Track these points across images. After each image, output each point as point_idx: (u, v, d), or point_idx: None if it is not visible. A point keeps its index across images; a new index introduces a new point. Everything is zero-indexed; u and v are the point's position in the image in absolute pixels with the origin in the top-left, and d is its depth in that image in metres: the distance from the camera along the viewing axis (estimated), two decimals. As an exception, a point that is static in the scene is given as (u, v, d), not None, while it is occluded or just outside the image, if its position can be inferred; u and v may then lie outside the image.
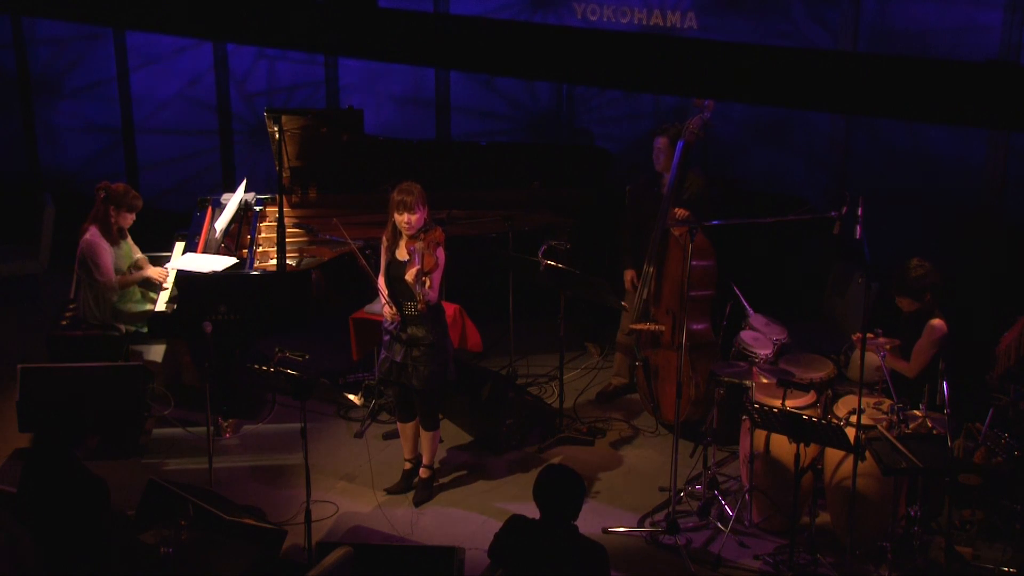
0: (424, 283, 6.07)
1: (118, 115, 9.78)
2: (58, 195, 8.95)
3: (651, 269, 7.08)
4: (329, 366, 7.63)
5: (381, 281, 6.33)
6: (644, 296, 7.13)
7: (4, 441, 6.87)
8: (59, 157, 9.99)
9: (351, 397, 7.50)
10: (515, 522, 4.82)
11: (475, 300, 7.71)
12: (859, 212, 5.69)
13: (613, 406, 7.57)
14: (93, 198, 7.16)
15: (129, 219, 7.22)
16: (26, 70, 9.83)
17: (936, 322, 6.15)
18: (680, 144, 7.02)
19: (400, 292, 6.22)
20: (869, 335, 6.02)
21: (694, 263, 6.54)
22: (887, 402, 5.96)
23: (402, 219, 6.14)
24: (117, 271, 7.19)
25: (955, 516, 6.01)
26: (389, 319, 6.29)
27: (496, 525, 4.94)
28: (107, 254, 7.07)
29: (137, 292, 7.30)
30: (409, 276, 6.09)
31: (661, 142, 7.14)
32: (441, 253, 6.19)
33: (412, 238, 6.14)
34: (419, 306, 6.17)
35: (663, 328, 7.00)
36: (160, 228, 7.83)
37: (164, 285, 7.17)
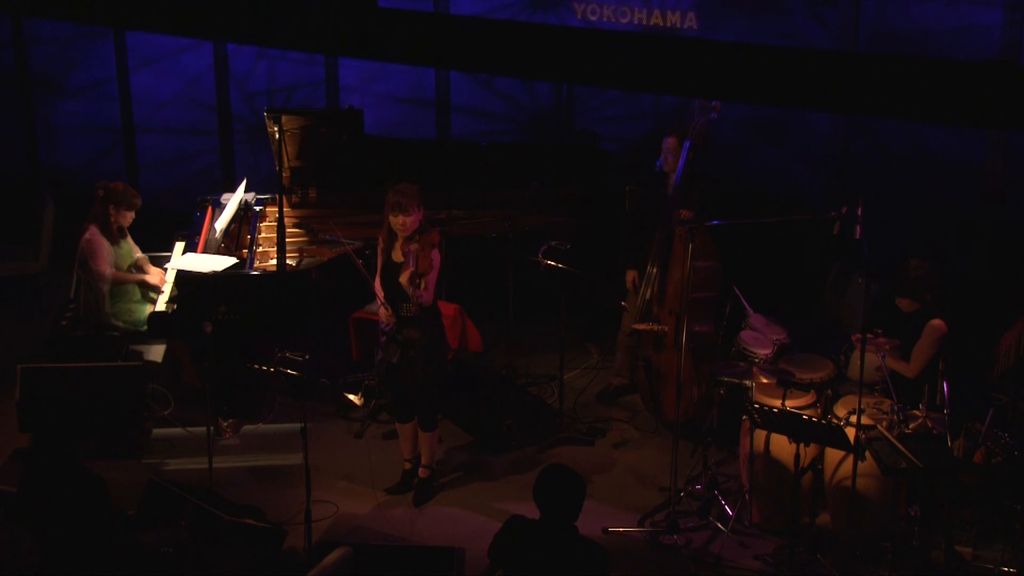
0: (418, 284, 6.06)
1: (118, 115, 9.78)
2: (58, 195, 8.94)
3: (654, 269, 7.08)
4: (329, 366, 7.63)
5: (377, 282, 6.32)
6: (647, 296, 7.13)
7: (4, 441, 6.87)
8: (59, 157, 9.98)
9: (351, 397, 7.50)
10: (515, 523, 4.82)
11: (475, 300, 7.71)
12: (859, 212, 5.69)
13: (613, 406, 7.57)
14: (93, 198, 7.15)
15: (129, 217, 7.22)
16: (26, 70, 9.83)
17: (936, 322, 6.15)
18: (687, 144, 7.02)
19: (396, 293, 6.21)
20: (869, 335, 6.02)
21: (698, 264, 6.54)
22: (887, 402, 5.97)
23: (397, 221, 6.12)
24: (117, 270, 7.20)
25: (955, 516, 6.01)
26: (385, 320, 6.29)
27: (496, 525, 4.94)
28: (105, 251, 7.07)
29: (137, 292, 7.30)
30: (403, 278, 6.08)
31: (670, 142, 7.14)
32: (436, 255, 6.17)
33: (408, 240, 6.12)
34: (412, 308, 6.16)
35: (666, 329, 7.00)
36: (160, 228, 7.82)
37: (162, 289, 7.17)
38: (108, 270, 7.06)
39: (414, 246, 6.08)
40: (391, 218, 6.14)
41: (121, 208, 7.15)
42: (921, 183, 8.12)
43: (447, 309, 6.97)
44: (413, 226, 6.12)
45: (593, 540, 4.80)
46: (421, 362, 6.27)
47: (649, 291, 7.12)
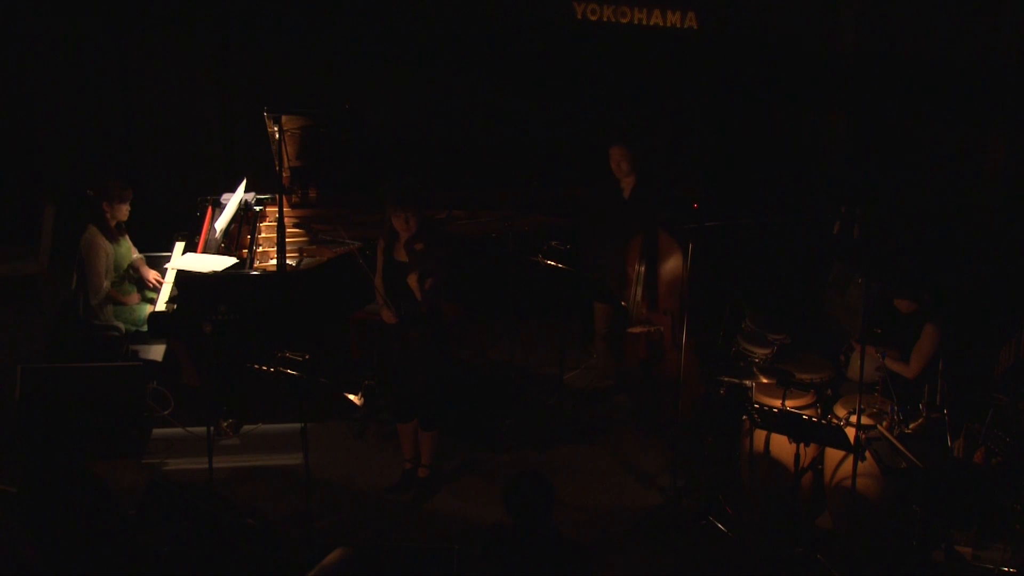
0: (427, 286, 6.05)
1: (118, 114, 9.77)
2: (58, 195, 8.94)
3: (641, 268, 7.04)
4: (329, 366, 7.61)
5: (378, 282, 6.31)
6: (638, 298, 7.09)
7: (4, 441, 6.86)
8: (59, 157, 9.97)
9: (351, 397, 7.47)
10: (492, 531, 4.81)
11: (475, 300, 7.70)
12: (859, 212, 5.70)
13: (613, 406, 7.56)
14: (90, 199, 7.17)
15: (124, 210, 7.24)
16: (27, 68, 9.81)
17: (935, 322, 6.15)
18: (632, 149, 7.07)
19: (398, 293, 6.20)
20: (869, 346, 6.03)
21: (672, 263, 6.58)
22: (887, 402, 5.97)
23: (400, 220, 6.10)
24: (117, 269, 7.22)
25: (955, 516, 6.00)
26: (387, 321, 6.28)
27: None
28: (102, 256, 7.08)
29: (136, 293, 7.31)
30: (412, 281, 6.07)
31: (616, 150, 7.17)
32: (442, 254, 6.16)
33: (411, 239, 6.10)
34: (422, 308, 6.15)
35: (661, 329, 7.00)
36: (160, 228, 7.82)
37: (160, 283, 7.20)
38: (103, 284, 7.07)
39: (419, 246, 6.05)
40: (393, 217, 6.11)
41: (114, 202, 7.17)
42: (921, 182, 8.12)
43: (447, 309, 6.97)
44: (416, 224, 6.10)
45: (573, 539, 4.79)
46: (422, 362, 6.26)
47: (639, 291, 7.08)
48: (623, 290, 7.08)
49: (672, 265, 6.93)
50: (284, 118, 7.37)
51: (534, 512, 4.64)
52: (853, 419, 5.77)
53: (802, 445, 5.70)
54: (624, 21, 8.75)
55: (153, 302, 7.19)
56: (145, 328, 7.03)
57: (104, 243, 7.13)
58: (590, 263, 7.31)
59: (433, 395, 6.42)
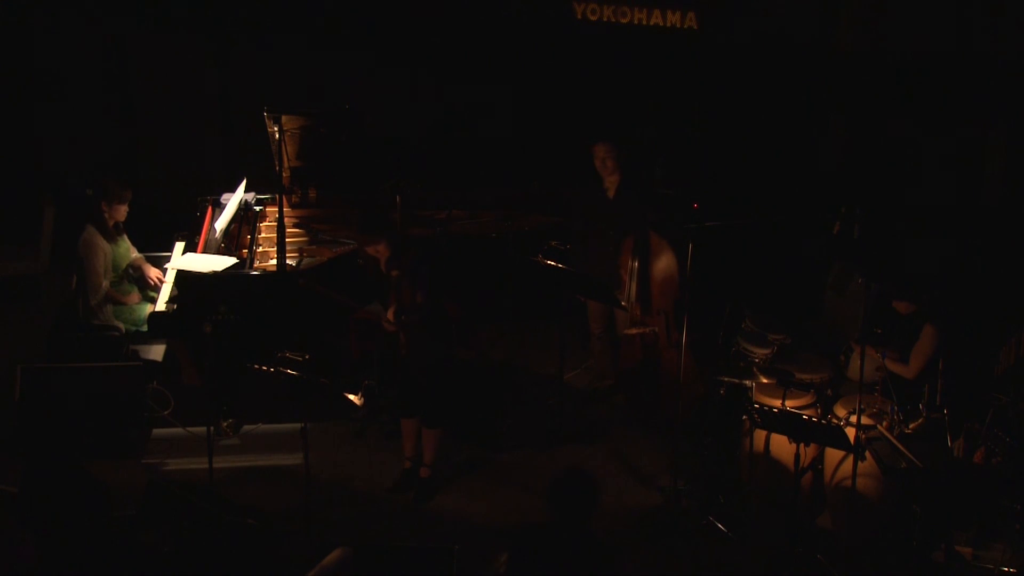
0: (404, 321, 6.05)
1: (118, 114, 9.77)
2: (58, 195, 8.94)
3: (634, 265, 7.02)
4: (329, 366, 7.60)
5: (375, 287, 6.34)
6: (632, 299, 7.08)
7: (4, 441, 6.87)
8: (59, 157, 9.97)
9: (351, 397, 7.46)
10: (525, 531, 4.77)
11: (475, 300, 7.70)
12: (859, 212, 5.71)
13: (612, 406, 7.56)
14: (88, 199, 7.18)
15: (122, 211, 7.23)
16: (28, 68, 9.82)
17: (934, 323, 6.15)
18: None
19: (391, 301, 6.21)
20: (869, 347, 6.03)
21: (663, 263, 6.58)
22: (887, 402, 5.97)
23: (370, 249, 6.13)
24: (115, 269, 7.22)
25: (955, 516, 6.00)
26: (387, 329, 6.29)
27: (495, 525, 4.94)
28: (100, 256, 7.08)
29: (136, 292, 7.31)
30: (390, 315, 6.09)
31: (602, 148, 7.14)
32: (423, 272, 6.15)
33: (388, 265, 6.10)
34: (403, 334, 6.16)
35: (656, 329, 7.00)
36: (160, 228, 7.82)
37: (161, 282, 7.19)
38: (101, 282, 7.08)
39: (395, 272, 6.07)
40: (364, 245, 6.14)
41: (113, 203, 7.17)
42: (922, 182, 8.13)
43: (447, 309, 6.97)
44: (387, 251, 6.11)
45: (603, 541, 4.78)
46: (423, 361, 6.27)
47: (633, 292, 7.06)
48: (616, 291, 7.07)
49: (663, 265, 6.94)
50: (284, 118, 7.37)
51: (578, 511, 4.60)
52: (853, 419, 5.77)
53: (802, 445, 5.70)
54: (624, 21, 8.75)
55: (153, 302, 7.19)
56: (145, 328, 7.04)
57: (102, 243, 7.13)
58: (580, 265, 7.31)
59: (436, 392, 6.42)
